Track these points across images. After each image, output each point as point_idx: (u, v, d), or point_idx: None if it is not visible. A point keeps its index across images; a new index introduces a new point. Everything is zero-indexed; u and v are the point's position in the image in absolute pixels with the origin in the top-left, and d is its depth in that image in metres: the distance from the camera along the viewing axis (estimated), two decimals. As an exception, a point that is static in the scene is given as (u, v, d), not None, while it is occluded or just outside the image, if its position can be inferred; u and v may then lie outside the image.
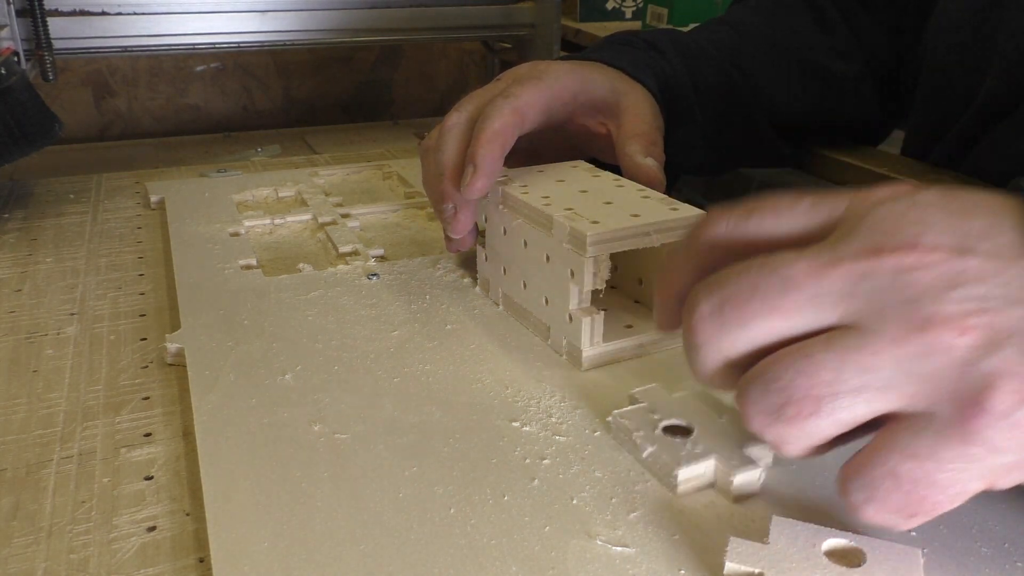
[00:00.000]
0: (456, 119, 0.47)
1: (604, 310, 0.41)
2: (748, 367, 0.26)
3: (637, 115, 0.50)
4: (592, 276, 0.39)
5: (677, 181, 0.63)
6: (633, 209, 0.41)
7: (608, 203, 0.42)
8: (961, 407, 0.23)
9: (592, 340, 0.40)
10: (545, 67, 0.48)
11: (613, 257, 0.40)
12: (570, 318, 0.41)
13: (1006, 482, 0.24)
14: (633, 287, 0.46)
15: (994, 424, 0.23)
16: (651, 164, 0.47)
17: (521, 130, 0.45)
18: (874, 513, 0.25)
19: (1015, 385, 0.22)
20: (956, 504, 0.25)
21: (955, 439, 0.23)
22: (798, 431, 0.25)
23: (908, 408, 0.24)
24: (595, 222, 0.39)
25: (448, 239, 0.48)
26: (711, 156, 0.61)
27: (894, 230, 0.24)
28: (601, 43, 0.60)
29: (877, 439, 0.25)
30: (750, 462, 0.32)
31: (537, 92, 0.46)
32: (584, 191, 0.44)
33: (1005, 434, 0.23)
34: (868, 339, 0.24)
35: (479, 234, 0.49)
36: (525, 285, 0.44)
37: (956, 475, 0.24)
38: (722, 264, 0.27)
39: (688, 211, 0.41)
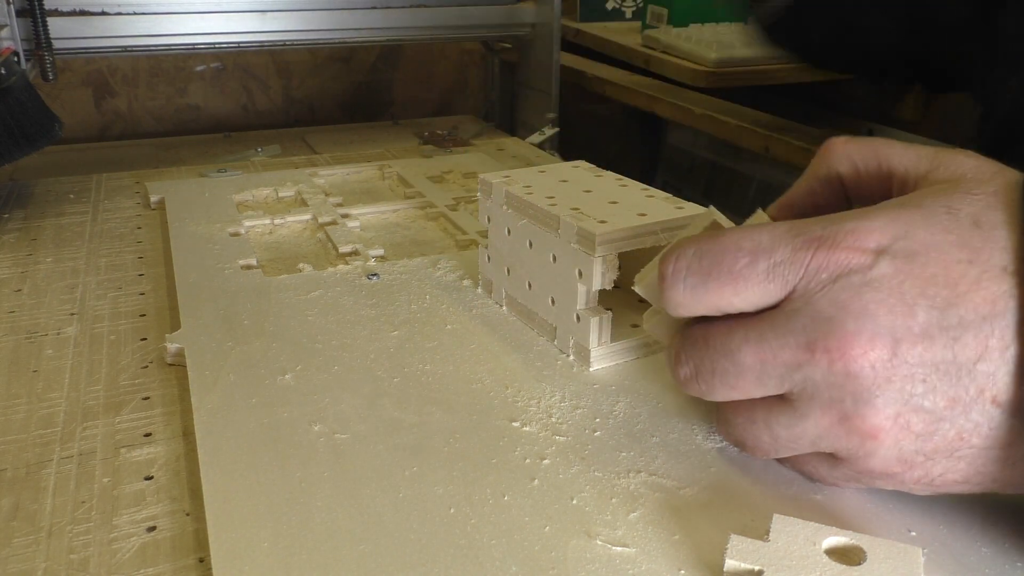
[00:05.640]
0: None
1: (609, 310, 0.41)
2: None
3: None
4: (600, 276, 0.39)
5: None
6: (639, 208, 0.41)
7: (613, 202, 0.42)
8: (859, 468, 0.29)
9: (600, 339, 0.41)
10: None
11: (618, 256, 0.40)
12: (578, 318, 0.41)
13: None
14: None
15: (879, 477, 0.29)
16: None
17: None
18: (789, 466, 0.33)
19: (896, 463, 0.28)
20: None
21: (851, 477, 0.30)
22: (757, 457, 0.33)
23: (826, 450, 0.30)
24: (603, 221, 0.39)
25: None
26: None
27: (832, 324, 0.27)
28: None
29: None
30: None
31: None
32: (588, 191, 0.44)
33: (883, 481, 0.30)
34: (798, 419, 0.29)
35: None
36: (530, 286, 0.44)
37: (845, 483, 0.31)
38: None
39: (694, 209, 0.41)
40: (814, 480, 0.32)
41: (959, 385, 0.26)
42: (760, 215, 0.34)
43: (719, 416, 0.33)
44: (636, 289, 0.34)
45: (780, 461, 0.33)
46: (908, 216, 0.28)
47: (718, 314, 0.30)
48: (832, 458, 0.30)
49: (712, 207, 0.34)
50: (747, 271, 0.29)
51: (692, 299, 0.30)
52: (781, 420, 0.29)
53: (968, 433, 0.27)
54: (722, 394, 0.30)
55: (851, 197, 0.34)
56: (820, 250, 0.28)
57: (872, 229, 0.27)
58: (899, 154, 0.32)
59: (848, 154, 0.33)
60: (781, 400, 0.29)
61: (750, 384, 0.29)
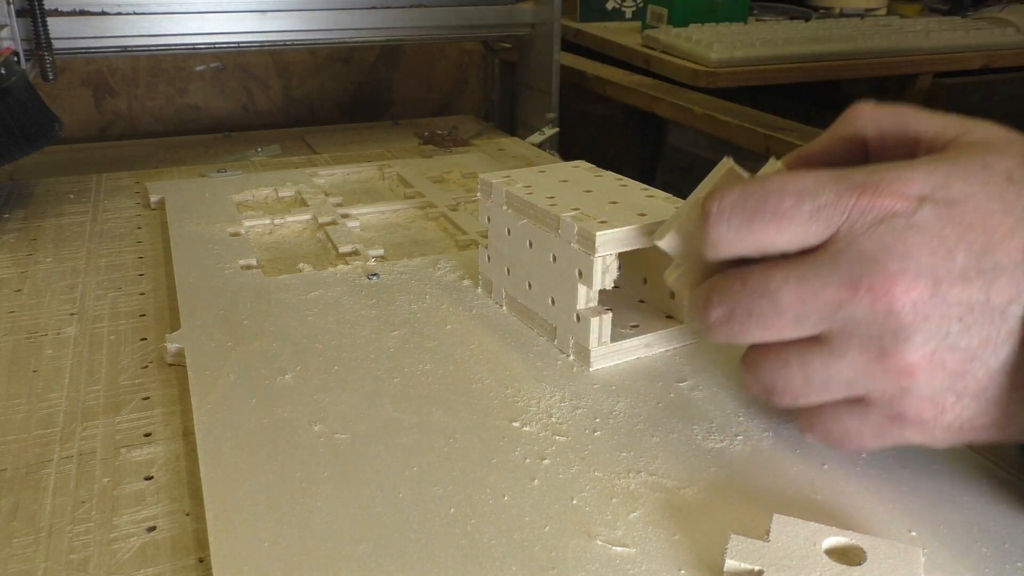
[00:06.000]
0: None
1: (609, 310, 0.41)
2: None
3: None
4: (600, 276, 0.39)
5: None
6: (639, 208, 0.41)
7: (614, 203, 0.42)
8: (891, 413, 0.29)
9: (600, 339, 0.41)
10: None
11: (618, 256, 0.40)
12: (578, 318, 0.41)
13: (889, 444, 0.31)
14: (638, 286, 0.46)
15: (910, 424, 0.29)
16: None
17: None
18: (813, 440, 0.33)
19: (929, 406, 0.29)
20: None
21: (880, 428, 0.30)
22: (784, 405, 0.32)
23: (859, 392, 0.30)
24: (603, 222, 0.39)
25: None
26: None
27: (877, 264, 0.28)
28: None
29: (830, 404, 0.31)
30: None
31: None
32: (588, 191, 0.44)
33: (913, 430, 0.29)
34: (835, 359, 0.29)
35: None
36: (530, 285, 0.44)
37: (873, 440, 0.31)
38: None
39: None
40: (841, 445, 0.31)
41: (991, 326, 0.27)
42: (774, 163, 0.35)
43: (746, 362, 0.32)
44: (658, 245, 0.35)
45: (803, 428, 0.32)
46: (947, 169, 0.29)
47: (758, 255, 0.31)
48: (863, 407, 0.30)
49: (728, 157, 0.34)
50: (791, 212, 0.29)
51: (736, 238, 0.30)
52: (816, 360, 0.29)
53: (997, 373, 0.28)
54: (756, 335, 0.30)
55: (873, 160, 0.35)
56: (864, 195, 0.28)
57: (914, 179, 0.28)
58: (926, 121, 0.33)
59: (875, 118, 0.34)
60: (816, 340, 0.29)
61: (787, 324, 0.29)
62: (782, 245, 0.30)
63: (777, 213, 0.29)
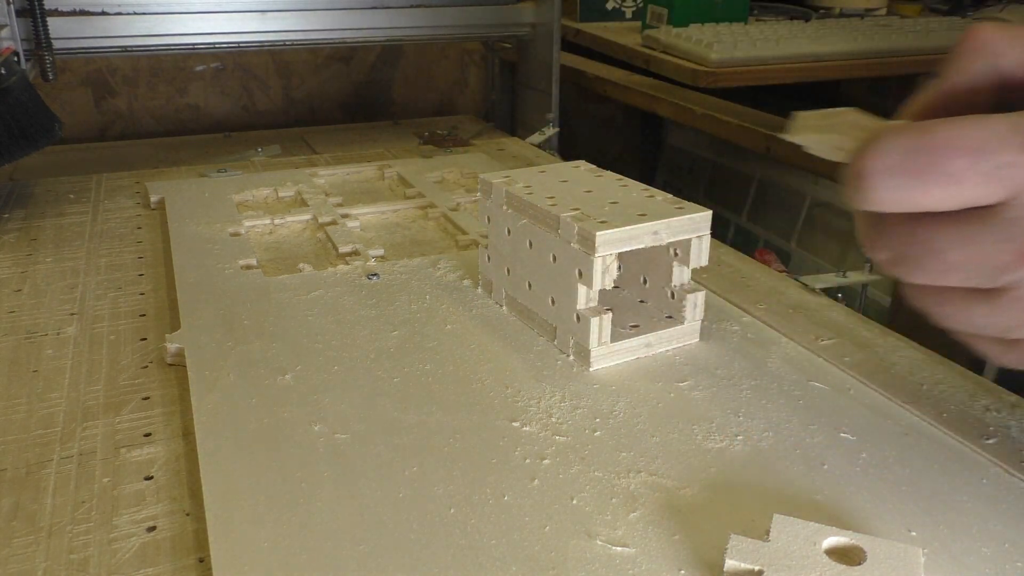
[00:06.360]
0: None
1: (609, 310, 0.41)
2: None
3: None
4: (600, 276, 0.39)
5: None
6: (639, 209, 0.41)
7: (614, 203, 0.42)
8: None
9: (600, 339, 0.41)
10: None
11: (618, 256, 0.40)
12: (578, 318, 0.41)
13: None
14: (638, 286, 0.46)
15: None
16: None
17: None
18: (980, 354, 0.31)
19: None
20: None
21: (1021, 360, 0.29)
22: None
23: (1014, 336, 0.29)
24: (603, 222, 0.39)
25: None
26: None
27: None
28: None
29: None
30: None
31: None
32: (589, 191, 0.44)
33: None
34: (999, 312, 0.28)
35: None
36: (530, 286, 0.44)
37: (1003, 360, 0.30)
38: None
39: (693, 210, 0.41)
40: (981, 355, 0.31)
41: None
42: (853, 114, 0.32)
43: (910, 291, 0.31)
44: (794, 140, 0.32)
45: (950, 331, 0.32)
46: None
47: (918, 211, 0.29)
48: (1008, 344, 0.29)
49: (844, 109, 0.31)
50: (965, 172, 0.26)
51: (897, 199, 0.28)
52: (978, 311, 0.29)
53: None
54: (921, 282, 0.29)
55: (1005, 103, 0.31)
56: None
57: None
58: None
59: (1011, 46, 0.30)
60: (980, 291, 0.28)
61: (953, 280, 0.28)
62: (948, 206, 0.27)
63: (949, 174, 0.26)
